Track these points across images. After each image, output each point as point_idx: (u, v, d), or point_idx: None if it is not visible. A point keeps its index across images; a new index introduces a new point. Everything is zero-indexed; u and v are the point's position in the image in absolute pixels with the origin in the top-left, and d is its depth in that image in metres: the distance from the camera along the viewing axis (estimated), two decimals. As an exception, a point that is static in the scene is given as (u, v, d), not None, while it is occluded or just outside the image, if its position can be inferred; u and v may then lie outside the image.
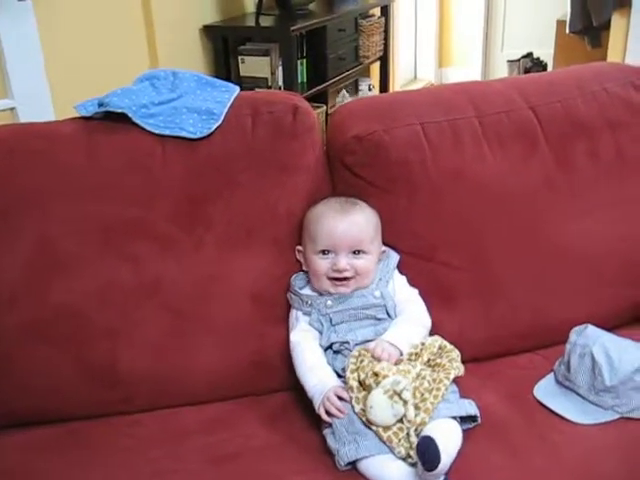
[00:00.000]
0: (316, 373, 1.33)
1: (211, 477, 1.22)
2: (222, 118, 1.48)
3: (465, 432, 1.23)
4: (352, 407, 1.24)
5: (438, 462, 1.10)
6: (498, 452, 1.23)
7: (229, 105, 1.51)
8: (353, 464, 1.21)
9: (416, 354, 1.31)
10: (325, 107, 3.80)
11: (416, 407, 1.20)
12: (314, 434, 1.30)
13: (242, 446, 1.29)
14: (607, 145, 1.59)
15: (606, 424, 1.28)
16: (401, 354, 1.30)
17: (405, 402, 1.19)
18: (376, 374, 1.22)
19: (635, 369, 1.28)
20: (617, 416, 1.29)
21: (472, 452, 1.19)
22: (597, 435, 1.27)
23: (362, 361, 1.27)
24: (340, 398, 1.26)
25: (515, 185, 1.53)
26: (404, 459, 1.18)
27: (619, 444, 1.25)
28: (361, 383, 1.25)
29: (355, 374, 1.26)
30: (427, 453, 1.10)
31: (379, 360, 1.26)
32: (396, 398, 1.19)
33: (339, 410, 1.24)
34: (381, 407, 1.19)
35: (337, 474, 1.21)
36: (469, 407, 1.27)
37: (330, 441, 1.24)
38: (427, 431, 1.16)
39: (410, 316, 1.41)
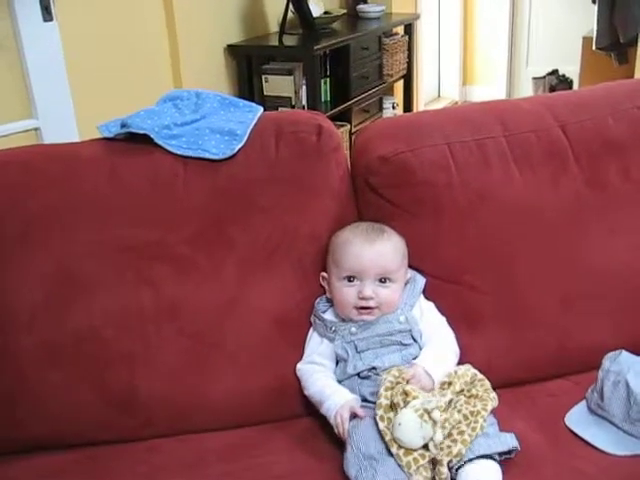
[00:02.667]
0: (328, 395, 1.32)
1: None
2: (245, 139, 1.47)
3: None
4: (376, 425, 1.21)
5: None
6: (528, 484, 1.18)
7: (252, 125, 1.50)
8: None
9: (449, 383, 1.27)
10: (349, 126, 3.79)
11: (451, 439, 1.17)
12: (338, 461, 1.26)
13: (264, 474, 1.25)
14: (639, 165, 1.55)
15: (642, 455, 1.24)
16: (433, 383, 1.28)
17: (434, 422, 1.16)
18: (406, 393, 1.20)
19: (672, 398, 1.23)
20: (654, 447, 1.24)
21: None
22: (632, 467, 1.22)
23: (398, 383, 1.24)
24: (354, 415, 1.25)
25: (544, 207, 1.50)
26: None
27: (656, 477, 1.20)
28: (391, 403, 1.21)
29: (389, 392, 1.23)
30: None
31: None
32: (426, 417, 1.16)
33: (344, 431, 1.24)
34: (410, 425, 1.15)
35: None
36: (510, 440, 1.22)
37: (347, 466, 1.21)
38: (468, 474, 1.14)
39: (442, 343, 1.39)
